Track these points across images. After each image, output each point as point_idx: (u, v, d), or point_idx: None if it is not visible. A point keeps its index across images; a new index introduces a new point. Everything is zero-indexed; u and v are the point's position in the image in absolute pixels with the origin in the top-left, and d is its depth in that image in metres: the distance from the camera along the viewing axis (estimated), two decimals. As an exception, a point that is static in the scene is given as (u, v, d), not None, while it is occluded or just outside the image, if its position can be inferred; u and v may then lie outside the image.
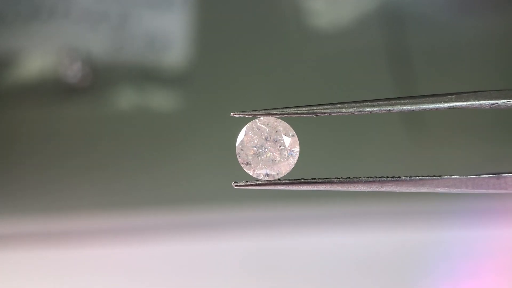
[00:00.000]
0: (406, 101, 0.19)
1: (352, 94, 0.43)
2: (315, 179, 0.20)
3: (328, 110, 0.18)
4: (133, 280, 0.37)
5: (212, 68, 0.44)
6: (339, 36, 0.45)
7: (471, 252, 0.37)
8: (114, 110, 0.43)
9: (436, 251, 0.38)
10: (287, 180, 0.19)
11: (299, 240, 0.38)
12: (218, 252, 0.38)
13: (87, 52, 0.43)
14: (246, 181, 0.20)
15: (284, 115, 0.19)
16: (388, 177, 0.20)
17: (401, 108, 0.19)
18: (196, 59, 0.44)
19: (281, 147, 0.19)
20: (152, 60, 0.44)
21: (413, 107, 0.18)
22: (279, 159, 0.19)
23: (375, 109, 0.18)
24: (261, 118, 0.19)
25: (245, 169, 0.19)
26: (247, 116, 0.19)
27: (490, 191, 0.20)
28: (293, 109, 0.19)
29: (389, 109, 0.18)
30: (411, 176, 0.20)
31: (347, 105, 0.19)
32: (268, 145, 0.19)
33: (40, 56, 0.44)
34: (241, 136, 0.19)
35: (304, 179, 0.19)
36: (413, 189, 0.20)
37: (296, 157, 0.19)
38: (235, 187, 0.19)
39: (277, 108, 0.19)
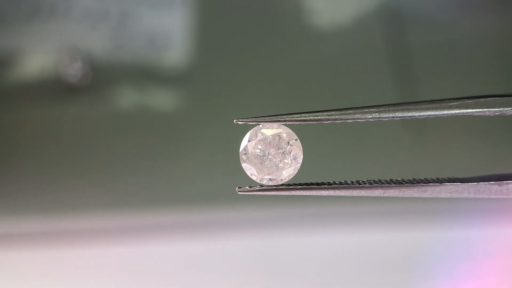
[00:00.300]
0: (409, 107, 0.19)
1: (353, 93, 0.43)
2: (318, 184, 0.20)
3: (332, 117, 0.18)
4: (133, 280, 0.37)
5: (213, 67, 0.44)
6: (339, 35, 0.45)
7: (471, 252, 0.37)
8: (114, 109, 0.42)
9: (436, 251, 0.38)
10: (290, 186, 0.20)
11: (299, 240, 0.38)
12: (218, 252, 0.38)
13: (87, 51, 0.43)
14: (250, 186, 0.20)
15: (287, 122, 0.19)
16: (391, 183, 0.20)
17: (403, 114, 0.19)
18: (197, 58, 0.44)
19: (284, 152, 0.19)
20: (153, 59, 0.44)
21: (416, 114, 0.18)
22: (282, 165, 0.19)
23: (379, 115, 0.18)
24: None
25: (248, 175, 0.20)
26: (250, 123, 0.19)
27: (492, 196, 0.20)
28: (296, 117, 0.19)
29: (393, 116, 0.18)
30: (413, 183, 0.20)
31: (350, 111, 0.18)
32: (272, 151, 0.19)
33: (40, 55, 0.44)
34: (244, 142, 0.19)
35: (307, 184, 0.19)
36: (416, 195, 0.20)
37: (300, 162, 0.19)
38: (239, 192, 0.20)
39: (280, 115, 0.19)
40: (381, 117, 0.18)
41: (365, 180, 0.20)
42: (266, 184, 0.19)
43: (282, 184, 0.20)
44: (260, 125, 0.19)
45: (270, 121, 0.19)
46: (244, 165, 0.19)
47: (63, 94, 0.43)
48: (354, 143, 0.40)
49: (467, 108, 0.18)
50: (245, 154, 0.19)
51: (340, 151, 0.40)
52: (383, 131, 0.41)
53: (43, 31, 0.44)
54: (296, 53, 0.45)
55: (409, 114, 0.18)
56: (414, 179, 0.20)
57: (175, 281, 0.37)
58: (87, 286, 0.37)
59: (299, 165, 0.19)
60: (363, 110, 0.18)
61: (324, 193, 0.20)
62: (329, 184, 0.20)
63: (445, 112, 0.18)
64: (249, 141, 0.19)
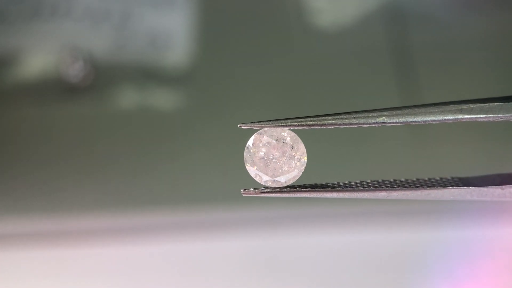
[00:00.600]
0: (414, 111, 0.19)
1: (356, 92, 0.43)
2: (322, 186, 0.20)
3: (337, 122, 0.18)
4: (133, 280, 0.37)
5: (214, 67, 0.44)
6: (341, 34, 0.45)
7: (470, 252, 0.37)
8: (115, 109, 0.42)
9: (435, 251, 0.38)
10: (295, 188, 0.20)
11: (299, 240, 0.38)
12: (218, 252, 0.38)
13: (89, 51, 0.43)
14: (255, 188, 0.20)
15: (291, 127, 0.19)
16: (394, 185, 0.20)
17: (406, 120, 0.19)
18: (198, 58, 0.44)
19: (289, 155, 0.19)
20: (154, 59, 0.44)
21: (419, 119, 0.19)
22: (286, 168, 0.19)
23: (383, 120, 0.18)
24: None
25: (252, 176, 0.20)
26: (254, 128, 0.19)
27: (495, 199, 0.20)
28: (300, 121, 0.19)
29: (396, 121, 0.18)
30: (417, 185, 0.20)
31: (354, 116, 0.19)
32: (276, 154, 0.19)
33: (41, 55, 0.44)
34: (248, 145, 0.19)
35: (311, 186, 0.20)
36: (420, 198, 0.20)
37: (304, 164, 0.19)
38: (244, 194, 0.20)
39: (284, 119, 0.19)
40: (385, 122, 0.18)
41: (369, 182, 0.20)
42: (270, 186, 0.20)
43: (287, 186, 0.20)
44: (265, 128, 0.19)
45: (273, 126, 0.19)
46: (248, 167, 0.19)
47: (64, 94, 0.43)
48: (357, 143, 0.41)
49: (471, 113, 0.18)
50: (249, 156, 0.19)
51: (342, 151, 0.40)
52: (386, 131, 0.41)
53: (45, 31, 0.44)
54: (298, 53, 0.45)
55: (414, 119, 0.19)
56: (417, 179, 0.20)
57: (175, 281, 0.37)
58: (87, 286, 0.37)
59: (303, 167, 0.19)
60: (367, 115, 0.18)
61: (328, 195, 0.20)
62: (333, 186, 0.20)
63: (449, 117, 0.18)
64: (253, 144, 0.19)
